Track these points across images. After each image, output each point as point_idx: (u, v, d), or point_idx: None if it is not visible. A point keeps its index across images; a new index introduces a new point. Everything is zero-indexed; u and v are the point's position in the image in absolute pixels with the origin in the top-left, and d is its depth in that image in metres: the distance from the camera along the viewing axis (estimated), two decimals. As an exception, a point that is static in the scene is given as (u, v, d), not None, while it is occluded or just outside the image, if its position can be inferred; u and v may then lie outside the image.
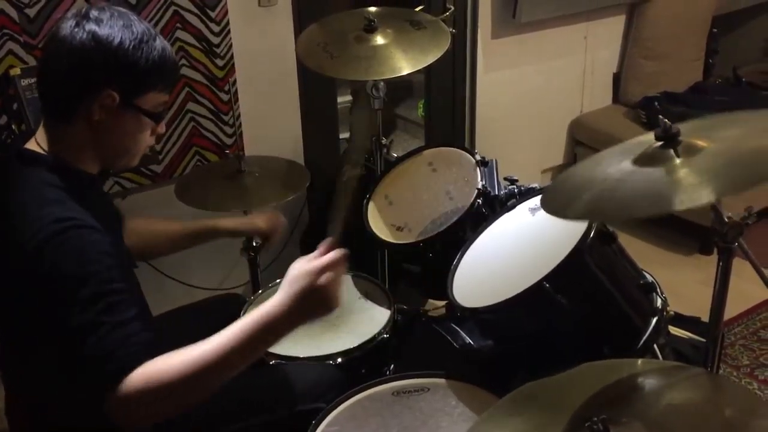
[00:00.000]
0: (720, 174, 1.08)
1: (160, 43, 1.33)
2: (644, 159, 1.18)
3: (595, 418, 1.00)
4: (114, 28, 1.28)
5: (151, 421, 1.23)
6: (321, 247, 1.32)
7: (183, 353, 1.22)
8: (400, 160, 2.12)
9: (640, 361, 1.28)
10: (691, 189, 1.06)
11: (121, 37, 1.28)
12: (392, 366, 1.77)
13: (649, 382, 1.17)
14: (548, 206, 1.29)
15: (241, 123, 2.55)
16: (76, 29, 1.27)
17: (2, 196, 1.31)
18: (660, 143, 1.16)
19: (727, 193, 1.07)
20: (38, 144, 1.35)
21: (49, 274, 1.21)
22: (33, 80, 2.07)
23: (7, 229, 1.27)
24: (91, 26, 1.27)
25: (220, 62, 2.49)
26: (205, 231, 1.88)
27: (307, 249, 2.95)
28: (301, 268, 1.28)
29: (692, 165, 1.11)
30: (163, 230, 1.85)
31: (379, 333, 1.74)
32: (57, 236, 1.21)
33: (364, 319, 1.82)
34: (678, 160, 1.13)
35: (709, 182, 1.06)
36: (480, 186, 1.83)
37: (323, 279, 1.26)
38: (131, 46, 1.28)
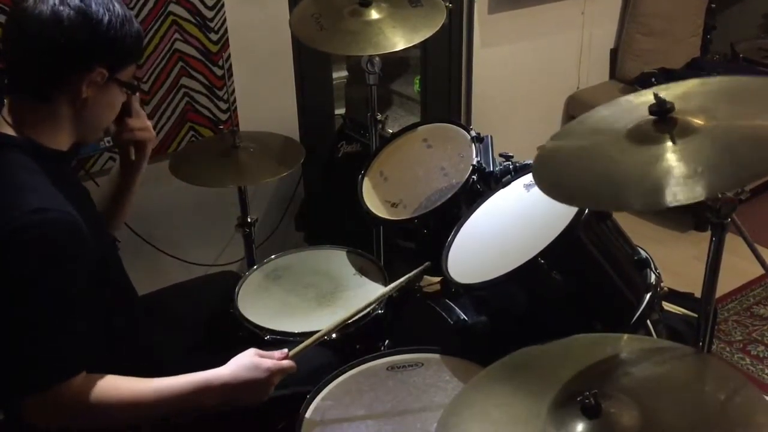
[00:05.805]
0: (716, 165, 1.06)
1: (132, 18, 1.34)
2: (638, 135, 1.16)
3: (587, 392, 1.01)
4: (99, 4, 1.27)
5: (68, 427, 1.27)
6: (282, 352, 1.42)
7: (129, 382, 1.30)
8: (395, 136, 2.11)
9: (625, 336, 1.27)
10: (684, 182, 1.04)
11: (108, 15, 1.27)
12: (387, 341, 1.78)
13: (638, 358, 1.18)
14: (541, 183, 1.26)
15: (235, 98, 2.54)
16: (60, 6, 1.24)
17: None
18: (653, 118, 1.16)
19: (723, 190, 1.06)
20: (6, 123, 1.31)
21: (16, 263, 1.19)
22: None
23: None
24: (75, 2, 1.25)
25: (214, 36, 2.46)
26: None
27: (302, 225, 2.96)
28: (258, 361, 1.37)
29: (686, 150, 1.09)
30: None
31: (374, 309, 1.75)
32: (32, 228, 1.18)
33: (358, 295, 1.82)
34: (670, 144, 1.10)
35: (702, 175, 1.04)
36: (475, 162, 1.82)
37: (272, 379, 1.36)
38: (118, 23, 1.28)
